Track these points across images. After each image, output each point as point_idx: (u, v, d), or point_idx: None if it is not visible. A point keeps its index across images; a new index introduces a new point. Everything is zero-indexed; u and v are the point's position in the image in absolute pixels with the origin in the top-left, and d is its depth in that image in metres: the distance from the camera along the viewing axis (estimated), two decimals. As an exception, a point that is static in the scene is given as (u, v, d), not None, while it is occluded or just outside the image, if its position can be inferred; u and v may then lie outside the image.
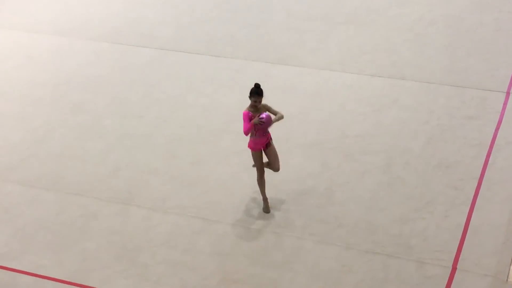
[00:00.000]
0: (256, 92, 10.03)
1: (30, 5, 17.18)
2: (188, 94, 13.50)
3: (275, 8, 16.54)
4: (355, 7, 16.35)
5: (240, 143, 11.72)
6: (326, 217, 10.62)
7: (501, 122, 12.33)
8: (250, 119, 10.04)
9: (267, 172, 10.74)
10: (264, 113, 10.13)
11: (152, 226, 10.60)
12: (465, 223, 10.36)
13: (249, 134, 10.20)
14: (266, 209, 10.72)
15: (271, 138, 10.41)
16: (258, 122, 10.04)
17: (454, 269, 9.70)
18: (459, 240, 10.10)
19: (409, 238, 10.20)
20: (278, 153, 10.52)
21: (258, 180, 10.55)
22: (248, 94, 10.14)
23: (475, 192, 10.88)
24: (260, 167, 10.44)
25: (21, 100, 13.60)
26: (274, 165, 10.53)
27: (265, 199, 10.70)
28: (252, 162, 10.63)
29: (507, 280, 9.50)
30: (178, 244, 10.28)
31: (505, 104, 12.76)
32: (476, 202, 10.69)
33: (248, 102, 10.25)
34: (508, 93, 13.01)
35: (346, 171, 11.47)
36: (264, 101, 11.78)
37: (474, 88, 13.24)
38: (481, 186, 10.98)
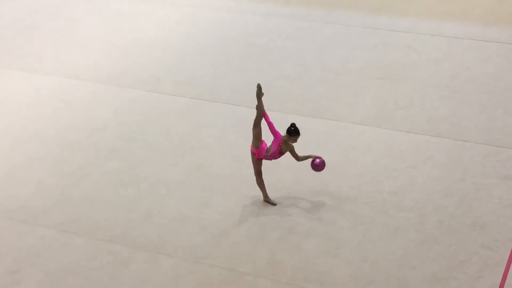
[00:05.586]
0: (298, 132, 11.34)
1: (69, 52, 17.46)
2: (222, 143, 13.55)
3: (311, 61, 16.63)
4: (392, 62, 16.38)
5: (273, 193, 11.75)
6: (356, 273, 10.50)
7: (537, 182, 12.19)
8: (279, 150, 11.40)
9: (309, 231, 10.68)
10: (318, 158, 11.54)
11: (181, 275, 10.55)
12: (500, 285, 10.17)
13: (266, 152, 11.49)
14: (272, 203, 11.77)
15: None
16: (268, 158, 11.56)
17: (487, 331, 9.54)
18: (492, 302, 9.95)
19: (441, 298, 10.05)
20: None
21: (257, 181, 11.70)
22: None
23: (510, 253, 10.70)
24: (257, 170, 11.61)
25: (57, 144, 13.74)
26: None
27: (265, 196, 11.76)
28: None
29: None
30: (207, 295, 10.23)
31: (541, 164, 12.64)
32: (512, 264, 10.53)
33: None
34: (545, 154, 12.90)
35: (378, 226, 11.37)
36: (300, 153, 11.80)
37: (510, 148, 13.13)
38: (516, 247, 10.84)
